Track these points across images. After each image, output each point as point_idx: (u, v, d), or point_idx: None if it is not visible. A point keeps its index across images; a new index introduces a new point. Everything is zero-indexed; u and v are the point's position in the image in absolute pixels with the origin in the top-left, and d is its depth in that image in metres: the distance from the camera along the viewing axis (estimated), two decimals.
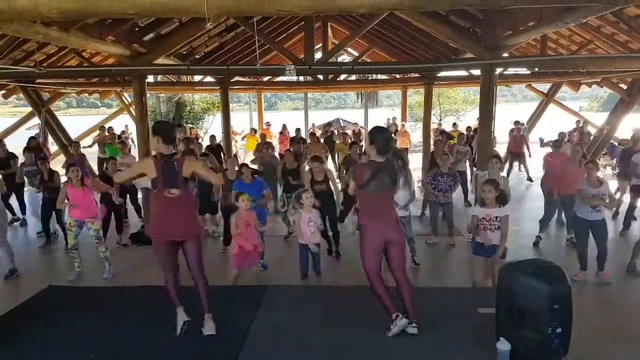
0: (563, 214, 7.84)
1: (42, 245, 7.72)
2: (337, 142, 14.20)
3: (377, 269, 4.05)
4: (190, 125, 20.75)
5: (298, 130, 14.19)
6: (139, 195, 8.86)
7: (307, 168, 7.92)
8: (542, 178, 8.34)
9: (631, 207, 7.92)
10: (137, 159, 8.82)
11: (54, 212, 7.67)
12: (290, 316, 4.46)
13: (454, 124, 17.55)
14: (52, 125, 13.23)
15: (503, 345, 3.44)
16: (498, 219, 4.87)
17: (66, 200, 6.20)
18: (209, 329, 4.12)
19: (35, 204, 8.36)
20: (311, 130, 17.60)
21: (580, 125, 14.90)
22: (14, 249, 6.46)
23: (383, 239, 4.02)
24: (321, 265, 5.78)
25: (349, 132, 17.14)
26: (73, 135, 14.08)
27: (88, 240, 6.32)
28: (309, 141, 12.33)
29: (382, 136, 4.00)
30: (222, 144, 13.07)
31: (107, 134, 14.24)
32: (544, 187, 8.03)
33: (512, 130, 14.82)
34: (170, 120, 19.42)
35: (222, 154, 11.52)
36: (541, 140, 12.95)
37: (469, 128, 14.91)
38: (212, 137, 12.36)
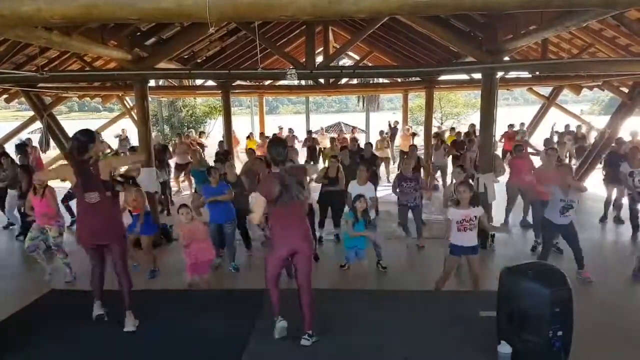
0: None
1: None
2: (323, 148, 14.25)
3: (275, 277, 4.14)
4: (191, 130, 20.75)
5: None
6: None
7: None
8: (508, 182, 8.53)
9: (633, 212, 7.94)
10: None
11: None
12: (292, 320, 4.46)
13: (452, 129, 17.51)
14: (54, 130, 13.24)
15: (504, 349, 3.45)
16: (476, 217, 5.08)
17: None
18: (128, 325, 4.34)
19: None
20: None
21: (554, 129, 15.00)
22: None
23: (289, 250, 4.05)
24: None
25: (347, 136, 17.05)
26: None
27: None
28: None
29: (275, 148, 4.01)
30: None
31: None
32: (509, 192, 8.40)
33: (505, 133, 14.94)
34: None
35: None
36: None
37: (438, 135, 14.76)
38: (221, 143, 12.12)
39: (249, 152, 10.17)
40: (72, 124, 21.57)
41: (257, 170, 8.36)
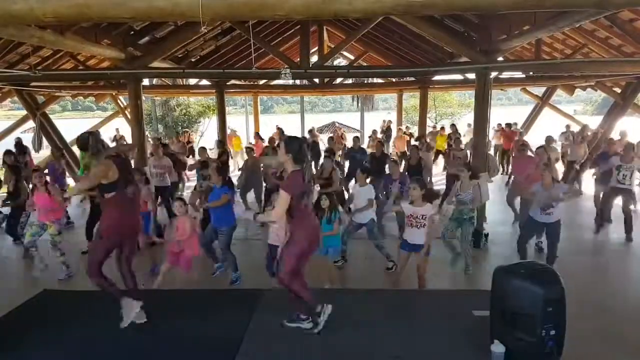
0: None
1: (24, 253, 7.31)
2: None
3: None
4: (184, 130, 20.70)
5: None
6: None
7: None
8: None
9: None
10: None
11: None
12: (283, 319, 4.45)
13: (442, 127, 17.52)
14: (47, 129, 13.16)
15: (498, 348, 3.46)
16: (424, 217, 5.02)
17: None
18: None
19: None
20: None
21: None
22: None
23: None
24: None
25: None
26: (68, 139, 14.00)
27: (78, 243, 6.33)
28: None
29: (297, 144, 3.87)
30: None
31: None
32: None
33: (496, 131, 14.96)
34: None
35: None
36: None
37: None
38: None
39: (248, 150, 10.01)
40: (65, 123, 21.50)
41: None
